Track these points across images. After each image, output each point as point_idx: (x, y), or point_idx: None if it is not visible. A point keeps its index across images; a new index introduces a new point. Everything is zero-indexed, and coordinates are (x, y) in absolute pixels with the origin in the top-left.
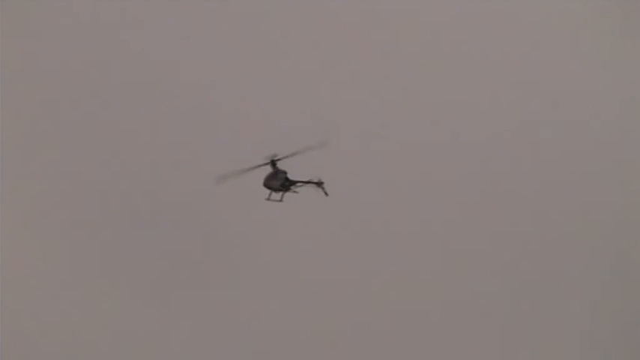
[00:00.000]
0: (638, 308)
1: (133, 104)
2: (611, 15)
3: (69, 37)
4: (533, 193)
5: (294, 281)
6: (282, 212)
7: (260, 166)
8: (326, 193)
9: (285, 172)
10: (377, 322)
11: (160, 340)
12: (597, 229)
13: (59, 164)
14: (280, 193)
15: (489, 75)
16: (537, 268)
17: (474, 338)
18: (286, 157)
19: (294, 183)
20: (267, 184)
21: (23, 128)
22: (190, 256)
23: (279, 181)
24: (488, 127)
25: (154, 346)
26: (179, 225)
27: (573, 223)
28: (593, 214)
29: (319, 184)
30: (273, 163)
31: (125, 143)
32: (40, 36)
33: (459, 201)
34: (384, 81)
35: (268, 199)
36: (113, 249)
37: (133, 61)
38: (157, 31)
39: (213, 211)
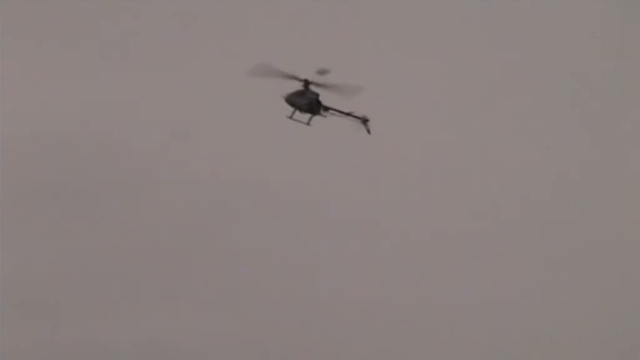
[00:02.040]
0: None
1: None
2: None
3: None
4: None
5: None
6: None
7: (291, 77)
8: (369, 131)
9: (317, 94)
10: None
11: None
12: None
13: None
14: (308, 116)
15: None
16: None
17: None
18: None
19: (327, 109)
20: (292, 100)
21: None
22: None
23: (306, 100)
24: None
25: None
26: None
27: None
28: None
29: (364, 120)
30: (306, 83)
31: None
32: None
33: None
34: None
35: (291, 117)
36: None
37: None
38: None
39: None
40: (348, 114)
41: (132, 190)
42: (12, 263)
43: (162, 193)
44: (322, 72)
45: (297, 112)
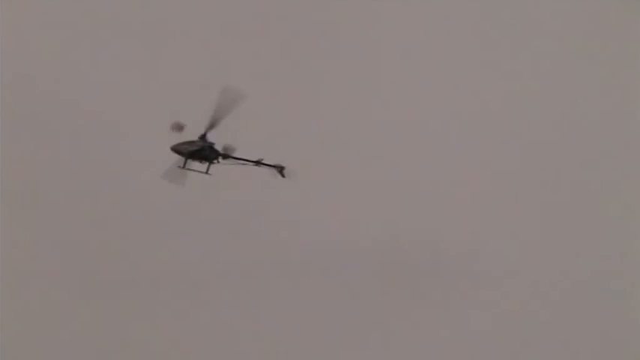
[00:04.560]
0: None
1: None
2: None
3: None
4: None
5: None
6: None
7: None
8: (283, 175)
9: (210, 143)
10: None
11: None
12: None
13: None
14: (206, 164)
15: None
16: None
17: None
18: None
19: (227, 157)
20: (177, 148)
21: None
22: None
23: (194, 147)
24: None
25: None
26: None
27: None
28: None
29: (279, 167)
30: (202, 136)
31: None
32: None
33: None
34: None
35: (184, 167)
36: None
37: None
38: None
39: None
40: (258, 162)
41: None
42: None
43: None
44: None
45: (191, 162)
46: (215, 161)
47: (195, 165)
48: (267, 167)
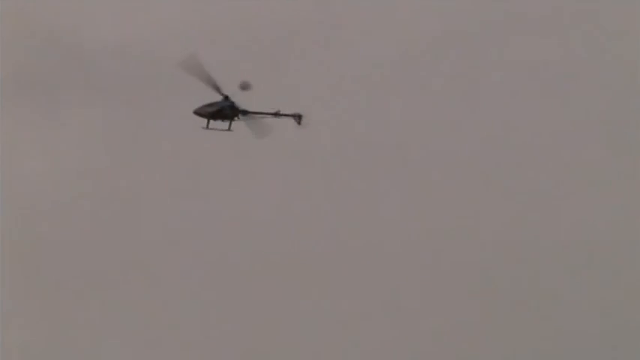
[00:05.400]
0: None
1: None
2: None
3: None
4: None
5: None
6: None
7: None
8: (299, 123)
9: (230, 102)
10: None
11: None
12: None
13: None
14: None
15: None
16: None
17: None
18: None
19: (247, 112)
20: (200, 111)
21: None
22: None
23: (215, 108)
24: None
25: None
26: None
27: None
28: None
29: (297, 115)
30: (225, 97)
31: None
32: None
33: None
34: None
35: (207, 127)
36: None
37: None
38: None
39: None
40: (276, 113)
41: None
42: None
43: None
44: (245, 86)
45: (213, 121)
46: (235, 118)
47: (218, 124)
48: (286, 117)
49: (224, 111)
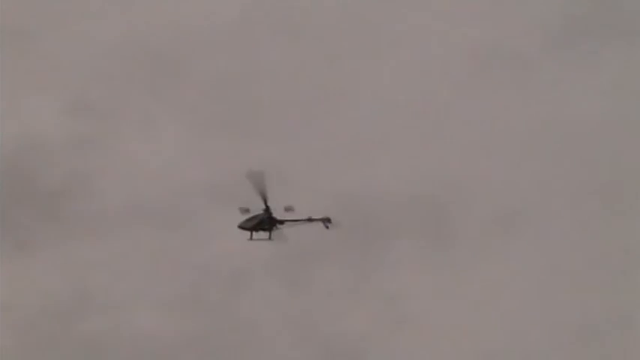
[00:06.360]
0: None
1: None
2: None
3: None
4: None
5: None
6: None
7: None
8: (327, 227)
9: (268, 213)
10: None
11: None
12: None
13: None
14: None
15: None
16: None
17: None
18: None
19: (283, 222)
20: (243, 225)
21: None
22: None
23: (255, 221)
24: None
25: None
26: None
27: None
28: None
29: (326, 220)
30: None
31: None
32: None
33: None
34: None
35: (251, 239)
36: None
37: None
38: None
39: None
40: (309, 219)
41: None
42: None
43: None
44: (288, 209)
45: (255, 233)
46: (274, 228)
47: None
48: (316, 221)
49: (263, 224)
